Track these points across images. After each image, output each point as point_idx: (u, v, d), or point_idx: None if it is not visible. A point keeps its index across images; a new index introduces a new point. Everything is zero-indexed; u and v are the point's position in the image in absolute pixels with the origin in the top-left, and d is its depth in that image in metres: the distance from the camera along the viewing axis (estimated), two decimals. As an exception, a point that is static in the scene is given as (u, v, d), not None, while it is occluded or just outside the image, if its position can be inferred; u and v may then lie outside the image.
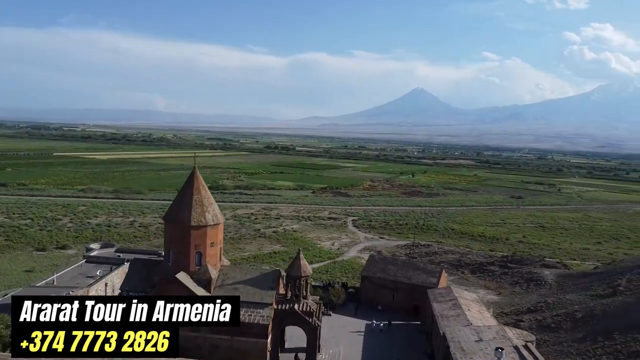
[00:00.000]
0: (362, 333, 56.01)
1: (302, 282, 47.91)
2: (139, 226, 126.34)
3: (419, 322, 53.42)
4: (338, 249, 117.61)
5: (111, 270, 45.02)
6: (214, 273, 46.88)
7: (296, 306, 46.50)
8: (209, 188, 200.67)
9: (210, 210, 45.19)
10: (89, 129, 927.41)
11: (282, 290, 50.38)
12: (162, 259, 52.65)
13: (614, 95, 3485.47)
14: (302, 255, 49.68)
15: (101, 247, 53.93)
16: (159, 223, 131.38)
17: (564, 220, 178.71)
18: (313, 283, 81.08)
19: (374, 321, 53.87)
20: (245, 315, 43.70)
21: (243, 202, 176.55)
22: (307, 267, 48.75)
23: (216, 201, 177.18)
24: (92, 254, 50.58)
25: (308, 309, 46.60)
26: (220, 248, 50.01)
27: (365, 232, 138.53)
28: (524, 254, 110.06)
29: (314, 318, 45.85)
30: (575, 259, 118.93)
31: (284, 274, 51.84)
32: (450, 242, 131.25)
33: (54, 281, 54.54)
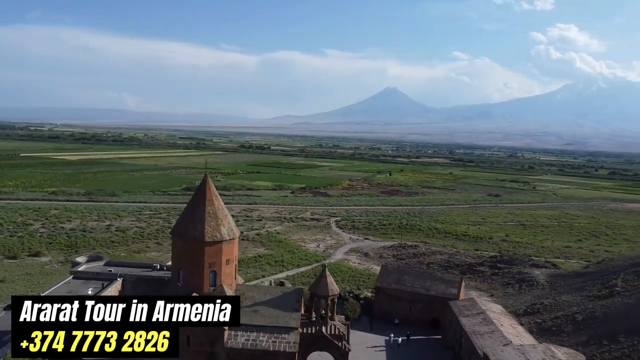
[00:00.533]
0: (383, 349, 51.67)
1: (329, 302, 43.36)
2: (116, 230, 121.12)
3: (440, 337, 49.81)
4: (324, 251, 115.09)
5: (103, 288, 40.55)
6: (230, 294, 41.61)
7: (324, 329, 42.07)
8: (184, 189, 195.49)
9: (225, 223, 40.62)
10: (56, 128, 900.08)
11: (302, 311, 46.06)
12: (159, 273, 48.15)
13: (578, 94, 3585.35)
14: (328, 272, 44.92)
15: (88, 261, 49.00)
16: (137, 227, 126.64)
17: (543, 218, 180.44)
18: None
19: (392, 335, 49.80)
20: (269, 342, 39.12)
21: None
22: (333, 285, 44.09)
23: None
24: (80, 268, 45.50)
25: (337, 332, 42.33)
26: (235, 265, 45.62)
27: (350, 233, 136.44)
28: (512, 254, 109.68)
29: (344, 342, 41.62)
30: (559, 257, 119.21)
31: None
32: (436, 242, 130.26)
33: None
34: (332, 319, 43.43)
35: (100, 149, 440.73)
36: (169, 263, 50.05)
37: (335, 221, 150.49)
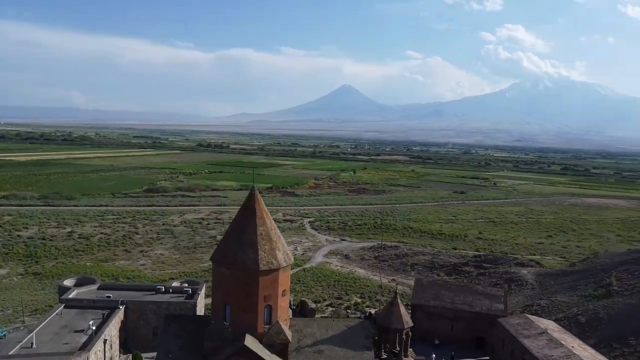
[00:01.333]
0: None
1: (403, 336, 37.87)
2: (79, 238, 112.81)
3: (487, 358, 45.13)
4: (303, 254, 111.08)
5: (105, 319, 33.80)
6: (289, 333, 35.73)
7: None
8: (146, 191, 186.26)
9: (280, 246, 33.67)
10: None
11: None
12: (165, 297, 41.59)
13: (526, 93, 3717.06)
14: (399, 301, 39.29)
15: (77, 284, 41.65)
16: (101, 233, 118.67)
17: (510, 214, 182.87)
18: (348, 313, 70.81)
19: (434, 357, 44.22)
20: None
21: (189, 205, 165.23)
22: (407, 316, 38.67)
23: (158, 205, 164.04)
24: (71, 295, 38.10)
25: None
26: (288, 295, 38.66)
27: (325, 234, 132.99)
28: (497, 253, 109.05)
29: None
30: (535, 254, 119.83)
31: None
32: (413, 241, 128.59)
33: (32, 344, 38.10)
34: (406, 355, 37.83)
35: (50, 149, 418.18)
36: (175, 284, 44.27)
37: (309, 222, 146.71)
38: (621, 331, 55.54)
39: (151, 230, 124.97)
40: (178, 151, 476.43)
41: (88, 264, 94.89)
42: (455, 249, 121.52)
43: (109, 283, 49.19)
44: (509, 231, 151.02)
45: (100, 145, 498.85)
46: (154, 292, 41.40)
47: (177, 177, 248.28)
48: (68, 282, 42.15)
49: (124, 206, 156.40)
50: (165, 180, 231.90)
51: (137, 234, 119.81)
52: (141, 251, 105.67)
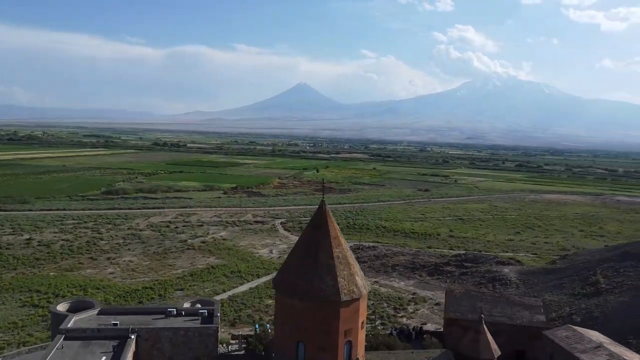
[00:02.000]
0: None
1: None
2: (39, 245, 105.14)
3: None
4: (279, 257, 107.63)
5: (115, 353, 28.60)
6: None
7: None
8: (105, 193, 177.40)
9: (358, 270, 28.12)
10: None
11: None
12: (180, 322, 36.24)
13: (476, 92, 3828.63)
14: (485, 328, 33.68)
15: (72, 309, 35.80)
16: (63, 240, 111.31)
17: (476, 211, 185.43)
18: (379, 328, 65.76)
19: None
20: None
21: (153, 207, 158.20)
22: (494, 344, 33.35)
23: (120, 208, 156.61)
24: (70, 324, 32.18)
25: None
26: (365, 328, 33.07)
27: (299, 235, 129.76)
28: (475, 252, 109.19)
29: None
30: (507, 251, 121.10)
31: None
32: (387, 241, 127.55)
33: None
34: None
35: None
36: (186, 304, 39.31)
37: (281, 223, 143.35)
38: (619, 330, 55.52)
39: (116, 235, 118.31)
40: (133, 150, 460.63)
41: (52, 274, 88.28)
42: (430, 247, 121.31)
43: (110, 307, 43.87)
44: (478, 228, 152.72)
45: (49, 145, 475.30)
46: (164, 316, 36.81)
47: (136, 177, 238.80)
48: (61, 307, 36.81)
49: (83, 210, 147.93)
50: (123, 181, 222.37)
51: (101, 239, 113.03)
52: (108, 258, 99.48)
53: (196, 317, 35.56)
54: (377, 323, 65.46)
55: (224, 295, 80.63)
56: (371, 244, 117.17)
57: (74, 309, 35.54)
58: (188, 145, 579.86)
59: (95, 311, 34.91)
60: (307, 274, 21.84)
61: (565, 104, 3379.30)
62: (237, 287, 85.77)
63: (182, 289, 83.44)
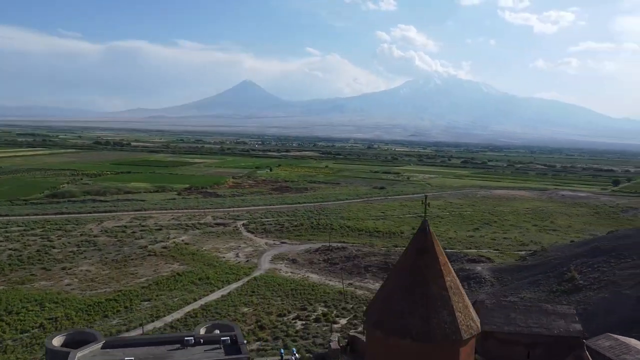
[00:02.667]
0: None
1: None
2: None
3: None
4: (247, 261, 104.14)
5: None
6: None
7: None
8: (50, 196, 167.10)
9: (466, 298, 22.12)
10: None
11: None
12: (197, 353, 31.75)
13: (418, 90, 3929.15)
14: (587, 354, 29.80)
15: (69, 342, 30.39)
16: (9, 249, 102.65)
17: (434, 208, 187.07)
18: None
19: None
20: None
21: (104, 211, 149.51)
22: None
23: (69, 212, 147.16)
24: None
25: None
26: None
27: (263, 238, 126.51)
28: (446, 250, 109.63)
29: None
30: (470, 248, 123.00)
31: None
32: (353, 240, 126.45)
33: None
34: None
35: None
36: (202, 330, 34.26)
37: (243, 225, 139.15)
38: (605, 327, 56.29)
39: (69, 242, 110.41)
40: (73, 150, 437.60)
41: (1, 287, 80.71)
42: (396, 246, 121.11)
43: (115, 338, 38.06)
44: (438, 225, 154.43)
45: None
46: (180, 346, 32.43)
47: (81, 179, 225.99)
48: (57, 342, 31.36)
49: (28, 215, 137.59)
50: (68, 183, 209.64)
51: (53, 247, 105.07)
52: (63, 268, 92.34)
53: (218, 346, 31.63)
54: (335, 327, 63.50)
55: (196, 305, 76.47)
56: (339, 245, 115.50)
57: (73, 342, 30.61)
58: (132, 144, 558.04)
59: (99, 344, 30.11)
60: (419, 310, 17.70)
61: (502, 102, 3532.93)
62: (208, 295, 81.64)
63: (149, 300, 78.45)
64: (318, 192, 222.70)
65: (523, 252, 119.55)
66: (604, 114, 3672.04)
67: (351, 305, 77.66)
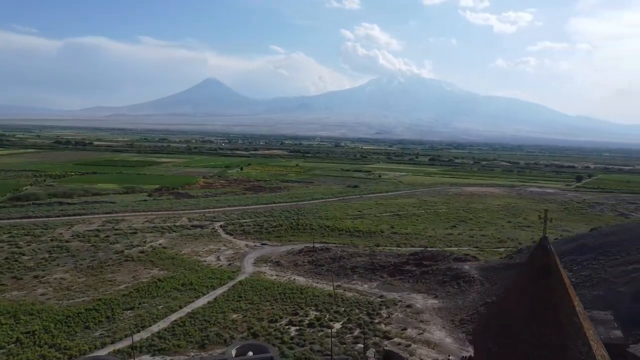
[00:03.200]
0: None
1: None
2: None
3: None
4: (229, 264, 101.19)
5: None
6: None
7: None
8: (13, 199, 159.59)
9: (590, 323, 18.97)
10: None
11: None
12: None
13: (382, 88, 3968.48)
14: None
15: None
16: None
17: (409, 206, 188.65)
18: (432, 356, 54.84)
19: None
20: None
21: (74, 214, 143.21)
22: None
23: (36, 216, 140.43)
24: None
25: None
26: None
27: (243, 239, 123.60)
28: (432, 249, 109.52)
29: None
30: (451, 246, 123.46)
31: None
32: (334, 240, 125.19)
33: None
34: None
35: None
36: (233, 351, 30.80)
37: (221, 226, 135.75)
38: (603, 325, 56.90)
39: (39, 248, 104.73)
40: (33, 150, 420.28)
41: None
42: (378, 246, 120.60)
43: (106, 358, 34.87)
44: (416, 224, 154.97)
45: None
46: None
47: (44, 180, 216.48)
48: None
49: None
50: (31, 184, 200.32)
51: (23, 254, 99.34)
52: (35, 276, 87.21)
53: (255, 370, 29.19)
54: (369, 342, 61.54)
55: (182, 313, 73.29)
56: (322, 246, 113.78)
57: None
58: (95, 143, 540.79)
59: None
60: (553, 339, 15.46)
61: (463, 100, 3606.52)
62: (193, 301, 78.43)
63: (132, 308, 74.67)
64: (292, 191, 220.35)
65: (502, 249, 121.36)
66: (561, 111, 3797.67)
67: (343, 309, 76.00)
